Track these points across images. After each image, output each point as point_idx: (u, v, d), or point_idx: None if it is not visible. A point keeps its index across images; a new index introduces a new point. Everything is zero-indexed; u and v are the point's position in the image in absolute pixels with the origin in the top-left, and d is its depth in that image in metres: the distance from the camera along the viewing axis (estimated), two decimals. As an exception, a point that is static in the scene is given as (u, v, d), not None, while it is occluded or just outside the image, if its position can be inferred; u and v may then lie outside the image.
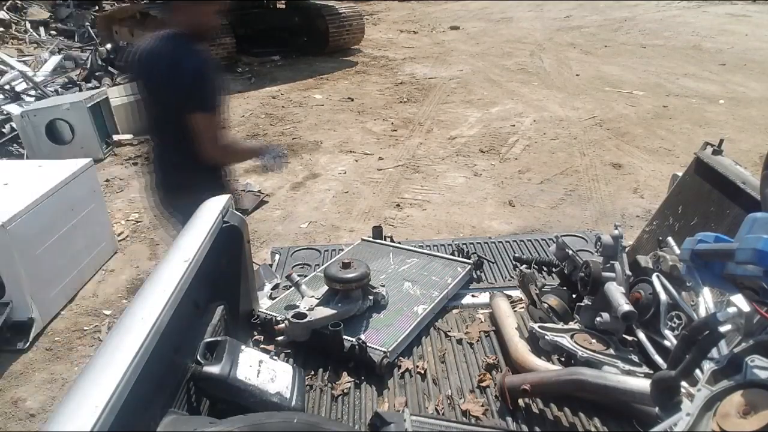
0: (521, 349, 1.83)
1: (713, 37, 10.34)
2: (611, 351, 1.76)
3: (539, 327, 1.85)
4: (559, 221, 4.39)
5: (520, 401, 1.68)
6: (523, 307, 2.15)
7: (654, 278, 1.81)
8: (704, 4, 13.45)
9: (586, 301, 1.91)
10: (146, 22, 10.05)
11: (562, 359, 1.85)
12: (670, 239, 1.92)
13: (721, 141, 2.09)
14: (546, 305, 2.00)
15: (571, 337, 1.81)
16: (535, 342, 1.87)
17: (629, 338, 1.85)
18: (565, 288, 2.12)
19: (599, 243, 1.92)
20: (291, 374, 1.71)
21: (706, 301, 1.52)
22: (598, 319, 1.81)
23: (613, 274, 1.86)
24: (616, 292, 1.79)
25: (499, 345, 1.95)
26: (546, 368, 1.75)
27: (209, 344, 1.59)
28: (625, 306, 1.72)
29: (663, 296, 1.75)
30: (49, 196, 3.40)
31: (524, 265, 2.43)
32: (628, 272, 1.89)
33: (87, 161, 3.87)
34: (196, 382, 1.52)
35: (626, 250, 1.95)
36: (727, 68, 8.41)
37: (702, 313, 1.55)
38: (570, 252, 2.14)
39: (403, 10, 15.18)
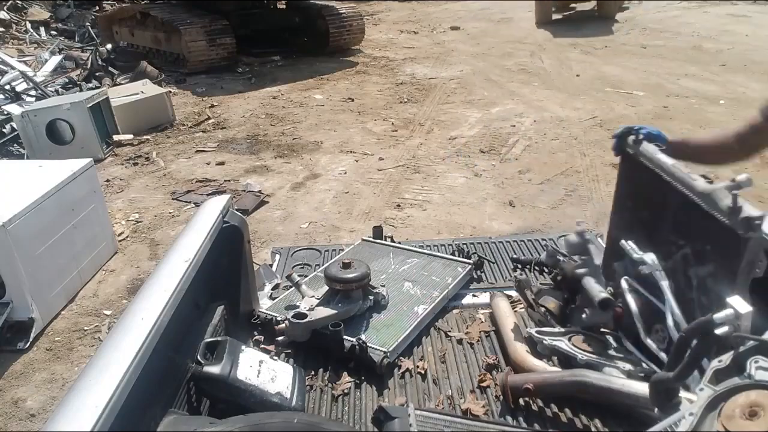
0: (521, 349, 1.83)
1: (714, 37, 10.32)
2: (610, 351, 1.76)
3: (536, 332, 1.85)
4: (560, 221, 4.38)
5: (521, 400, 1.68)
6: (523, 308, 2.15)
7: (622, 282, 1.76)
8: (705, 5, 13.43)
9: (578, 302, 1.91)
10: (146, 22, 10.06)
11: (562, 360, 1.84)
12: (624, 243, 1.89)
13: None
14: (543, 308, 1.99)
15: (569, 339, 1.81)
16: (534, 343, 1.87)
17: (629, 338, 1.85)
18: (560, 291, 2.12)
19: (565, 245, 1.92)
20: (291, 374, 1.71)
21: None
22: (583, 316, 1.80)
23: (586, 269, 1.86)
24: (591, 284, 1.78)
25: (500, 345, 1.95)
26: (545, 369, 1.75)
27: (209, 344, 1.59)
28: (600, 294, 1.70)
29: (633, 305, 1.71)
30: (49, 196, 3.40)
31: (521, 270, 2.44)
32: (598, 262, 1.87)
33: (87, 161, 3.86)
34: (196, 382, 1.52)
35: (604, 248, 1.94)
36: (728, 69, 8.39)
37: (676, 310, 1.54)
38: (560, 258, 2.15)
39: (404, 10, 15.17)
